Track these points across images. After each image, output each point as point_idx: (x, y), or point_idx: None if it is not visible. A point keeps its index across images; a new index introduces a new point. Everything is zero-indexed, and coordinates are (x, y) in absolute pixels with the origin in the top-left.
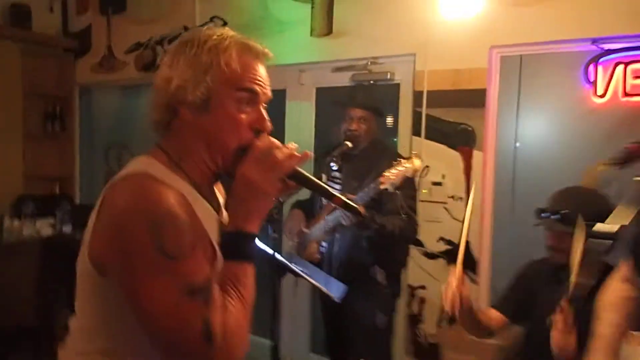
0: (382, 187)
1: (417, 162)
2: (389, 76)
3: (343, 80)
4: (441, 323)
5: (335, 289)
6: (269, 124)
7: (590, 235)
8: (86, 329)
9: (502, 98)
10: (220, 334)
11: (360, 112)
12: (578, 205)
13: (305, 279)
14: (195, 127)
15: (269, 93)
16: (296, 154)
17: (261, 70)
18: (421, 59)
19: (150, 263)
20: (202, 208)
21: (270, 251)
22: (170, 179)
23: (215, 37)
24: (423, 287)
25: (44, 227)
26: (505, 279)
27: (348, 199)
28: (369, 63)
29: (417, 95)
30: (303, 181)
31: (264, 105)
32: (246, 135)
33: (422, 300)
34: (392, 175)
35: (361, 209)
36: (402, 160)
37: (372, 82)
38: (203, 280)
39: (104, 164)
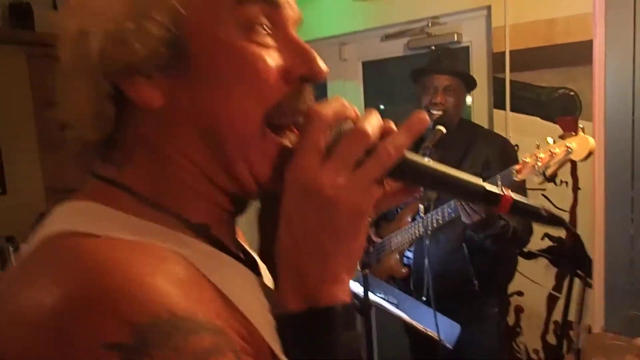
0: (519, 177)
1: (590, 140)
2: (455, 38)
3: (396, 49)
4: (547, 336)
5: (446, 329)
6: (322, 66)
7: None
8: None
9: (611, 50)
10: None
11: (445, 79)
12: None
13: (397, 315)
14: (171, 112)
15: (297, 10)
16: (393, 126)
17: None
18: (499, 11)
19: None
20: (227, 273)
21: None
22: (146, 236)
23: None
24: (520, 294)
25: None
26: (620, 280)
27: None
28: (429, 24)
29: (497, 58)
30: (419, 175)
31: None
32: (279, 93)
33: (520, 309)
34: (541, 160)
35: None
36: (561, 140)
37: (433, 47)
38: None
39: None
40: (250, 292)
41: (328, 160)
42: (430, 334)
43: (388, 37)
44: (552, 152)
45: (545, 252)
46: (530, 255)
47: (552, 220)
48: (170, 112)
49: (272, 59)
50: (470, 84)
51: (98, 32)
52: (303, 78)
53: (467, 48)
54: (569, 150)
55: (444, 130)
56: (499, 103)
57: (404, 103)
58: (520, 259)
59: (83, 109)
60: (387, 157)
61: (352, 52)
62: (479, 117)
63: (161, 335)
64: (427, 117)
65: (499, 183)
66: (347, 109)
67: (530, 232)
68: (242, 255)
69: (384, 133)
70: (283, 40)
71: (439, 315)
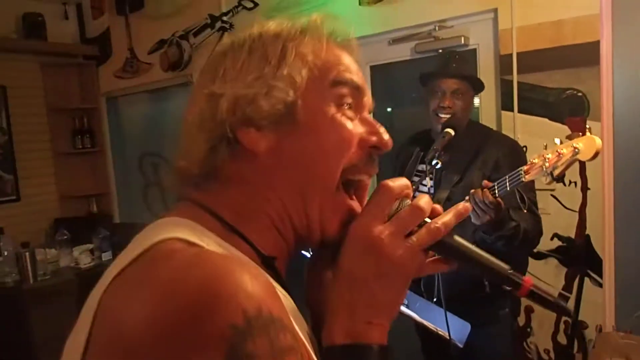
0: (527, 178)
1: (597, 140)
2: (462, 41)
3: (403, 53)
4: (557, 337)
5: (457, 329)
6: (387, 137)
7: None
8: None
9: (618, 51)
10: None
11: (453, 83)
12: None
13: (408, 314)
14: (273, 157)
15: (371, 99)
16: (440, 208)
17: (354, 66)
18: (505, 14)
19: None
20: (285, 302)
21: None
22: (239, 258)
23: (286, 23)
24: None
25: (82, 256)
26: (632, 279)
27: None
28: (436, 28)
29: (504, 60)
30: (456, 253)
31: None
32: (356, 155)
33: (530, 310)
34: (549, 161)
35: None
36: (568, 141)
37: (440, 50)
38: None
39: (140, 175)
40: (296, 318)
41: (389, 224)
42: (441, 333)
43: (395, 41)
44: (559, 153)
45: (555, 253)
46: (541, 256)
47: (563, 311)
48: (272, 157)
49: (354, 127)
50: (478, 87)
51: (229, 95)
52: (373, 146)
53: (475, 51)
54: (576, 150)
55: (452, 133)
56: (507, 105)
57: (411, 106)
58: (530, 259)
59: (199, 153)
60: (437, 231)
61: (361, 56)
62: (487, 119)
63: (262, 325)
64: (470, 207)
65: (501, 183)
66: (410, 188)
67: (540, 233)
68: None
69: (435, 210)
70: (361, 116)
71: (449, 314)
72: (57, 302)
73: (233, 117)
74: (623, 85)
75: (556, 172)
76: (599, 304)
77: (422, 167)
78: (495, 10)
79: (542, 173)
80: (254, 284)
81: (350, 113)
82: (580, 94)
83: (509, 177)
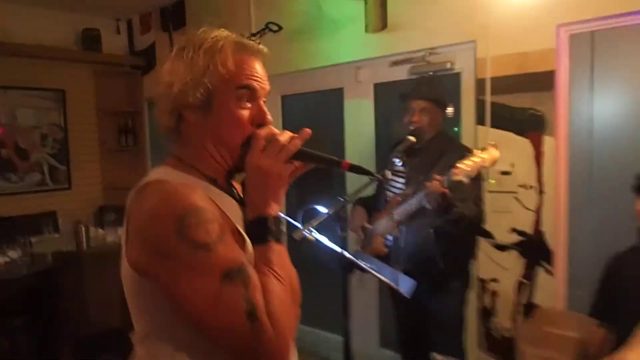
0: (455, 178)
1: (494, 152)
2: (448, 66)
3: (401, 74)
4: (516, 316)
5: (404, 284)
6: (269, 117)
7: None
8: (146, 337)
9: (574, 79)
10: (264, 313)
11: (421, 103)
12: None
13: (374, 275)
14: (201, 129)
15: (267, 87)
16: (295, 135)
17: (257, 67)
18: (482, 45)
19: (184, 259)
20: (223, 201)
21: (339, 249)
22: (188, 180)
23: (209, 39)
24: (495, 280)
25: None
26: (583, 269)
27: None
28: (427, 54)
29: (480, 83)
30: (309, 158)
31: (264, 99)
32: (249, 130)
33: (494, 293)
34: (467, 166)
35: (382, 176)
36: (477, 151)
37: (431, 73)
38: (238, 264)
39: None
40: (232, 210)
41: (263, 152)
42: (392, 285)
43: (395, 63)
44: (474, 161)
45: (516, 246)
46: (504, 248)
47: (361, 171)
48: (202, 127)
49: (247, 115)
50: (443, 106)
51: (177, 85)
52: (260, 123)
53: (459, 74)
54: (483, 159)
55: (413, 140)
56: (481, 120)
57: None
58: (495, 250)
59: (166, 121)
60: (290, 148)
61: (366, 75)
62: (467, 132)
63: (197, 215)
64: (310, 131)
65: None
66: (273, 131)
67: (481, 220)
68: (233, 195)
69: (291, 136)
70: (254, 106)
71: (399, 273)
72: (105, 265)
73: (179, 100)
74: (577, 107)
75: (472, 175)
76: (551, 289)
77: (399, 167)
78: (475, 42)
79: (464, 175)
80: (190, 194)
81: (246, 104)
82: (539, 113)
83: (446, 175)
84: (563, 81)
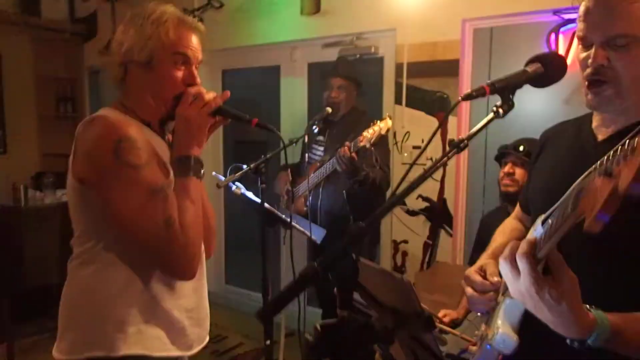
0: (360, 144)
1: (389, 122)
2: (373, 50)
3: (332, 55)
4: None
5: (316, 234)
6: (198, 80)
7: None
8: (81, 235)
9: (475, 67)
10: (178, 223)
11: (339, 81)
12: (535, 145)
13: (291, 225)
14: (142, 82)
15: (200, 56)
16: (217, 95)
17: (193, 39)
18: (401, 33)
19: (117, 174)
20: (156, 141)
21: (258, 200)
22: (127, 119)
23: (158, 12)
24: (406, 242)
25: (65, 196)
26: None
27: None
28: (355, 38)
29: (399, 67)
30: (227, 114)
31: (196, 66)
32: (181, 87)
33: (405, 253)
34: (369, 134)
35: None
36: (377, 121)
37: (358, 56)
38: (159, 185)
39: None
40: (161, 148)
41: (190, 105)
42: (307, 233)
43: (327, 45)
44: (374, 129)
45: (423, 211)
46: (413, 213)
47: (266, 128)
48: (143, 79)
49: (180, 75)
50: (358, 84)
51: (126, 44)
52: (190, 83)
53: (382, 58)
54: (381, 127)
55: (329, 110)
56: (398, 100)
57: None
58: (406, 215)
59: (115, 71)
60: (214, 105)
61: (300, 55)
62: (387, 110)
63: (130, 142)
64: (229, 93)
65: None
66: (200, 89)
67: (388, 183)
68: (166, 140)
69: (214, 95)
70: (187, 70)
71: (314, 225)
72: (43, 224)
73: (126, 56)
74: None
75: (373, 141)
76: (450, 248)
77: (319, 137)
78: (395, 30)
79: (366, 141)
80: (126, 127)
81: (180, 67)
82: (446, 95)
83: (353, 142)
84: (466, 69)
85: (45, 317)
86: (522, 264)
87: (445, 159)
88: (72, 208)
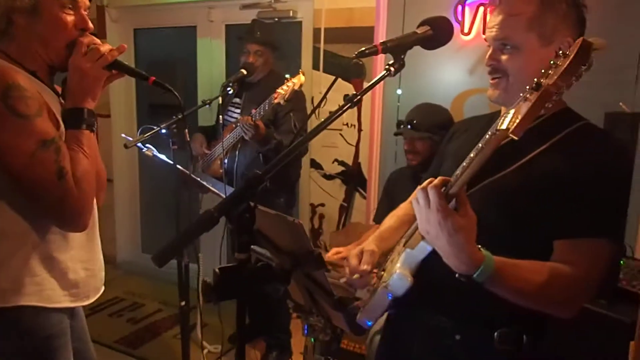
0: (275, 101)
1: (302, 77)
2: (291, 14)
3: (251, 17)
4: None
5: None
6: (90, 24)
7: None
8: None
9: (389, 35)
10: (71, 175)
11: (256, 46)
12: (425, 115)
13: (207, 188)
14: (29, 30)
15: (87, 1)
16: (114, 48)
17: None
18: None
19: (7, 123)
20: (45, 92)
21: (171, 162)
22: (15, 68)
23: None
24: (322, 205)
25: None
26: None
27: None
28: (273, 1)
29: (316, 32)
30: (123, 69)
31: (85, 11)
32: (72, 33)
33: (322, 216)
34: (283, 90)
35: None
36: (290, 78)
37: (276, 19)
38: (51, 136)
39: None
40: (52, 100)
41: (84, 56)
42: (221, 195)
43: (245, 6)
44: (288, 86)
45: (339, 175)
46: (330, 177)
47: (163, 88)
48: (31, 28)
49: (70, 20)
50: (275, 49)
51: None
52: (83, 28)
53: (301, 23)
54: (294, 83)
55: (244, 72)
56: (316, 66)
57: None
58: (322, 179)
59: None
60: (109, 58)
61: (218, 16)
62: (307, 75)
63: (19, 90)
64: (125, 46)
65: (263, 105)
66: (95, 40)
67: (304, 150)
68: (54, 90)
69: (110, 48)
70: (77, 14)
71: (230, 188)
72: None
73: (8, 4)
74: (389, 59)
75: (287, 98)
76: (363, 210)
77: (236, 100)
78: None
79: (281, 98)
80: (15, 75)
81: (69, 12)
82: (361, 62)
83: (267, 101)
84: (381, 36)
85: None
86: (432, 194)
87: (340, 112)
88: None
